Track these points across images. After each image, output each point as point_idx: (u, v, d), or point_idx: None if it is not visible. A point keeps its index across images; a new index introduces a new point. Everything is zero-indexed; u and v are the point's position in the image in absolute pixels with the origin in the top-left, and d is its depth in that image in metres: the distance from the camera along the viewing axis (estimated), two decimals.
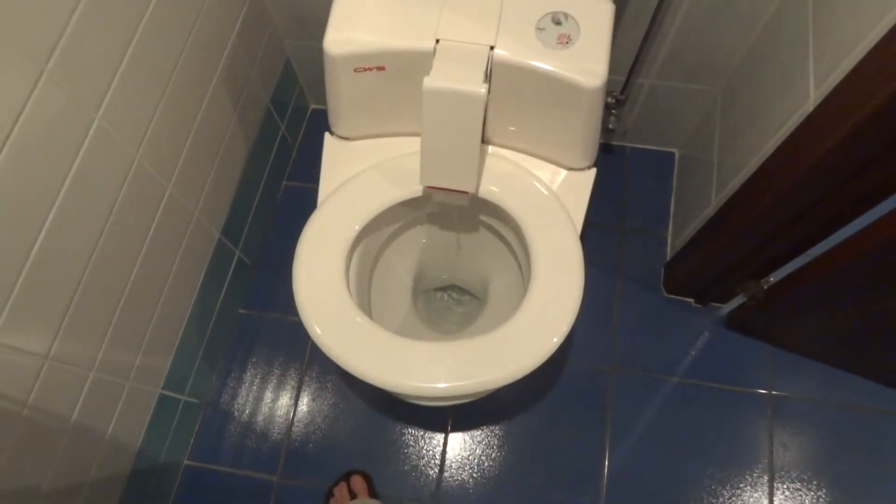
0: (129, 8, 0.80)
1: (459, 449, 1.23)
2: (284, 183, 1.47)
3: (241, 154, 1.23)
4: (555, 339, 0.82)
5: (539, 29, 0.83)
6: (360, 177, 0.94)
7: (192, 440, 1.25)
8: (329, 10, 0.86)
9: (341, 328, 0.84)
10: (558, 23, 0.83)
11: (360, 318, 0.84)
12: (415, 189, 0.93)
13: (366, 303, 1.01)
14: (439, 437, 1.24)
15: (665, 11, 1.04)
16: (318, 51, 0.85)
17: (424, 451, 1.23)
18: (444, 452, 1.23)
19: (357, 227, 0.91)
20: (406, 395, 0.83)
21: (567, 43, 0.82)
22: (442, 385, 0.80)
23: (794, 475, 1.18)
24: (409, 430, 1.24)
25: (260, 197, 1.35)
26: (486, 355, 0.82)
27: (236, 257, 1.28)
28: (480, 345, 0.82)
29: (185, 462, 1.24)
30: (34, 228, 0.71)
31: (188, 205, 1.05)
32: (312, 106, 1.54)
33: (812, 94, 0.79)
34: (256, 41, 1.18)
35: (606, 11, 0.84)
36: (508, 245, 1.05)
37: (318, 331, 0.83)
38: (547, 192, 0.92)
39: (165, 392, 1.11)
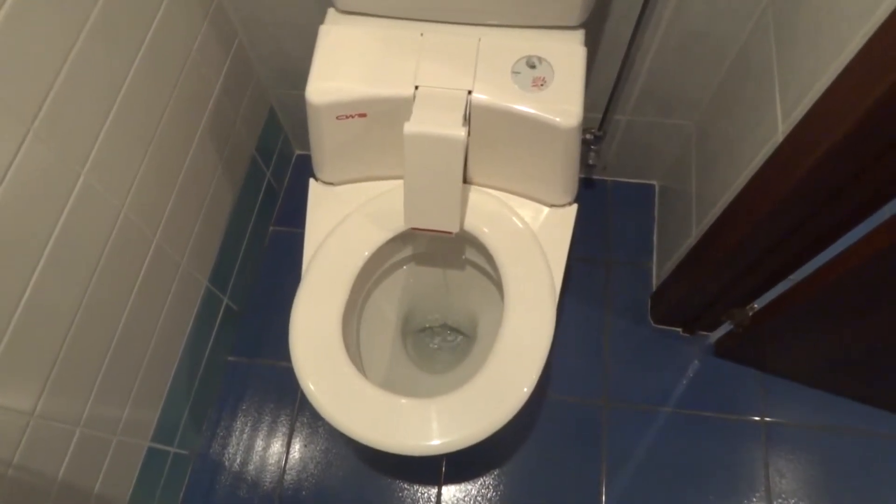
0: (114, 65, 0.82)
1: (455, 491, 1.21)
2: (272, 228, 1.48)
3: (228, 202, 1.24)
4: (525, 389, 0.83)
5: (515, 73, 0.85)
6: (344, 225, 0.95)
7: (182, 493, 1.22)
8: (311, 60, 0.88)
9: (336, 387, 0.84)
10: (533, 66, 0.86)
11: (353, 375, 0.85)
12: (399, 226, 0.94)
13: (355, 345, 1.01)
14: (434, 480, 1.22)
15: (635, 52, 1.07)
16: (302, 99, 0.87)
17: (420, 495, 1.21)
18: (439, 495, 1.21)
19: (351, 282, 0.92)
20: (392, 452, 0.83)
21: (542, 85, 0.84)
22: (432, 443, 0.81)
23: (793, 502, 1.17)
24: (404, 474, 1.23)
25: (247, 243, 1.35)
26: (464, 409, 0.82)
27: (224, 304, 1.28)
28: (458, 398, 0.83)
29: None
30: (20, 284, 0.72)
31: (175, 254, 1.05)
32: (297, 152, 1.56)
33: (780, 127, 0.81)
34: (241, 92, 1.21)
35: (579, 54, 0.87)
36: (495, 282, 1.06)
37: (312, 387, 0.84)
38: (525, 230, 0.93)
39: (154, 445, 1.09)
